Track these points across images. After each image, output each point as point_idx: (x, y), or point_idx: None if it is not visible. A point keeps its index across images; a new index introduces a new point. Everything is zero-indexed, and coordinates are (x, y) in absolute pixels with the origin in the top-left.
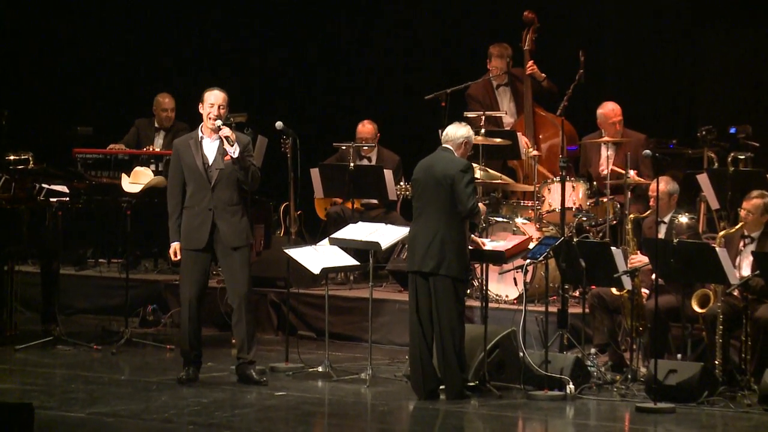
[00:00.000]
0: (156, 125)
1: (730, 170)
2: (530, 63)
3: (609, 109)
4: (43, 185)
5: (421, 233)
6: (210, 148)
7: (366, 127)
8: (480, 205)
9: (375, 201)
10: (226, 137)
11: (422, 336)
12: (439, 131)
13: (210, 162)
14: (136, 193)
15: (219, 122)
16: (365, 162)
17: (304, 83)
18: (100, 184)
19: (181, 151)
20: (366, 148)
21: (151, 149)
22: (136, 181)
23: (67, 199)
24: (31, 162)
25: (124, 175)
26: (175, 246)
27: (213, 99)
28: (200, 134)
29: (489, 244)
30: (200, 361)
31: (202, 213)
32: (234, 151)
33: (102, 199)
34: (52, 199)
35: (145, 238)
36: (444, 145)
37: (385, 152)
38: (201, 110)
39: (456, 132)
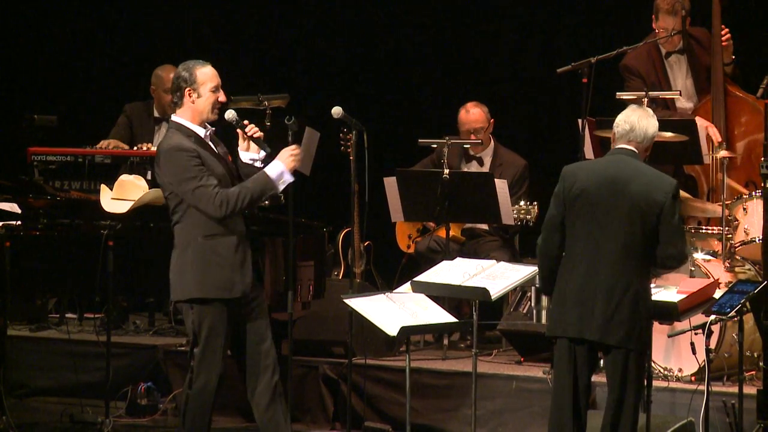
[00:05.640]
0: (156, 113)
1: None
2: (725, 31)
3: None
4: None
5: (602, 283)
6: None
7: (472, 113)
8: None
9: (483, 226)
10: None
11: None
12: (579, 121)
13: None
14: (121, 213)
15: (232, 114)
16: (474, 166)
17: (377, 51)
18: (68, 201)
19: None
20: (474, 144)
21: (144, 148)
22: (123, 195)
23: (18, 223)
24: None
25: (104, 187)
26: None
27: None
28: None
29: (654, 292)
30: None
31: (242, 241)
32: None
33: (71, 223)
34: None
35: (136, 283)
36: (622, 146)
37: (504, 153)
38: (188, 96)
39: (647, 125)
